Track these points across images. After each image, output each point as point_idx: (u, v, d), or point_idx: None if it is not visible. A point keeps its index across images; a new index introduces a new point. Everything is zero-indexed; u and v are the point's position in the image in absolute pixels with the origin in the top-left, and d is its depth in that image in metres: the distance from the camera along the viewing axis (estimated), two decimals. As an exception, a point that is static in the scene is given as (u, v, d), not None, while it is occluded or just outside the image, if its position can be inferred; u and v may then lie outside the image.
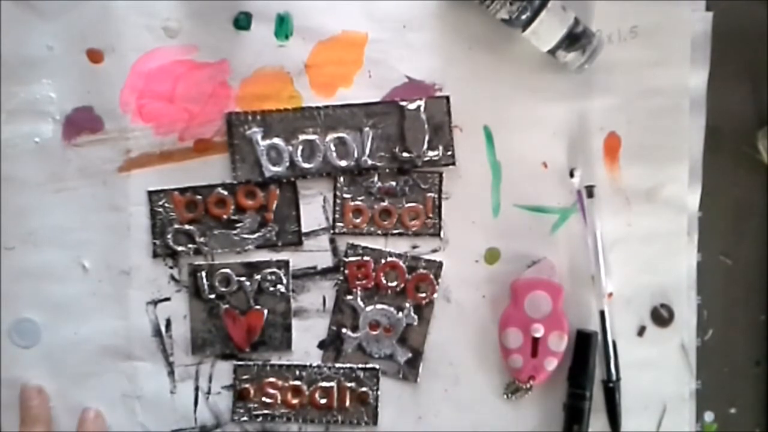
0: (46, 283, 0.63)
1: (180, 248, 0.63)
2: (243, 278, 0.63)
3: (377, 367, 0.64)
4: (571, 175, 0.63)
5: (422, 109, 0.63)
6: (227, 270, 0.63)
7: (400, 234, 0.64)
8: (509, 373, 0.63)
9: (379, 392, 0.64)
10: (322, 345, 0.64)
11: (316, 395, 0.64)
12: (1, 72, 0.61)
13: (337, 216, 0.63)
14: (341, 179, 0.63)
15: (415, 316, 0.64)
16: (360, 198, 0.64)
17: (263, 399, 0.64)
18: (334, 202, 0.63)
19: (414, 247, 0.64)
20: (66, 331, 0.63)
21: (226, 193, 0.63)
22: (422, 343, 0.64)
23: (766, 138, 0.64)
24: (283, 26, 0.62)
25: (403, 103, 0.63)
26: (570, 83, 0.63)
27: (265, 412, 0.64)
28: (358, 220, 0.64)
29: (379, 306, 0.64)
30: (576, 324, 0.63)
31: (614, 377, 0.63)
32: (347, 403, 0.64)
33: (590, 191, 0.63)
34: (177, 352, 0.64)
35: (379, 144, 0.63)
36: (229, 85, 0.63)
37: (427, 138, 0.63)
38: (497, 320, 0.63)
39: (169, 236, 0.63)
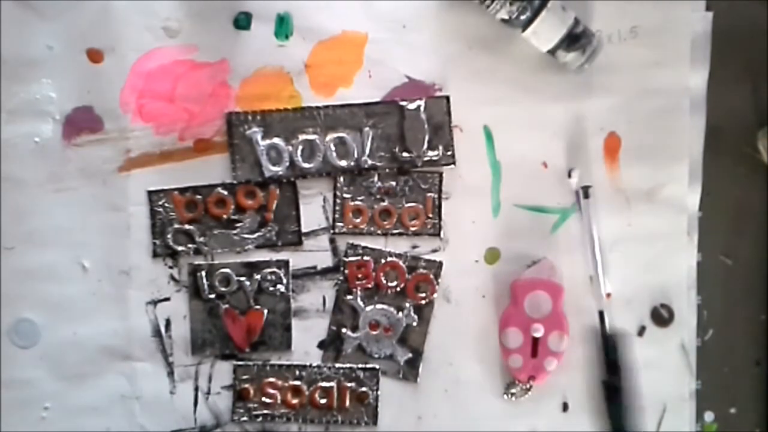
0: (45, 283, 0.63)
1: (180, 248, 0.63)
2: (243, 278, 0.63)
3: (377, 367, 0.64)
4: (569, 175, 0.63)
5: (422, 109, 0.63)
6: (227, 270, 0.63)
7: (400, 234, 0.64)
8: (509, 373, 0.63)
9: (379, 392, 0.64)
10: (322, 345, 0.64)
11: (316, 395, 0.64)
12: (1, 72, 0.61)
13: (337, 216, 0.63)
14: (341, 179, 0.63)
15: (415, 316, 0.64)
16: (360, 198, 0.64)
17: (263, 399, 0.64)
18: (334, 202, 0.63)
19: (414, 247, 0.64)
20: (65, 331, 0.63)
21: (226, 193, 0.63)
22: (422, 343, 0.64)
23: (766, 138, 0.64)
24: (283, 26, 0.62)
25: (403, 103, 0.63)
26: (570, 83, 0.63)
27: (265, 412, 0.64)
28: (358, 220, 0.64)
29: (379, 306, 0.64)
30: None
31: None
32: (347, 403, 0.64)
33: (586, 191, 0.63)
34: (177, 352, 0.64)
35: (379, 144, 0.63)
36: (229, 85, 0.63)
37: (427, 138, 0.63)
38: (497, 320, 0.63)
39: (169, 236, 0.63)
